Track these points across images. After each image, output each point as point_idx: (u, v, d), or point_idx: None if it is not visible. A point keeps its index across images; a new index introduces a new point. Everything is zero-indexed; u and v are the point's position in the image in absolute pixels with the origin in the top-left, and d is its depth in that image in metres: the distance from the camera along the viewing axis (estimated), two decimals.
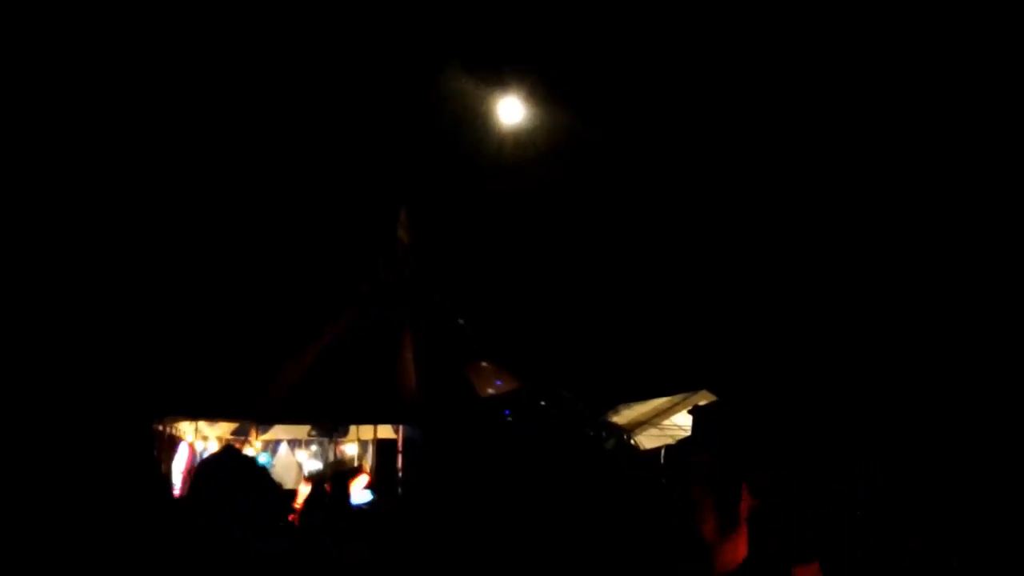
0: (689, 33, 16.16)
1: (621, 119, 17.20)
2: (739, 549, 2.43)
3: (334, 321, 13.79)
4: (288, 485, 11.94)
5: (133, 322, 11.74)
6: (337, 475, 9.61)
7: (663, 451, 13.76)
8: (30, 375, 7.78)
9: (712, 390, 14.33)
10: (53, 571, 4.49)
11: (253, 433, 13.07)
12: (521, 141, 15.58)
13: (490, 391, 13.18)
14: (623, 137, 17.30)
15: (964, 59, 13.75)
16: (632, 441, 13.51)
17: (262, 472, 3.01)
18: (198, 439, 12.95)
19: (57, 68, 12.31)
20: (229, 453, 3.25)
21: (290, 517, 7.94)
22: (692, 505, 2.50)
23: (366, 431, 13.61)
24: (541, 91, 14.98)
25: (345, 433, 13.99)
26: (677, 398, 15.52)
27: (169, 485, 11.22)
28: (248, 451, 12.98)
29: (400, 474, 12.45)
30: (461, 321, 14.09)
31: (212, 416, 13.03)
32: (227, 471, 2.88)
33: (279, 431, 14.26)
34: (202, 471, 2.98)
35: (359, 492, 9.30)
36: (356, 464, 13.83)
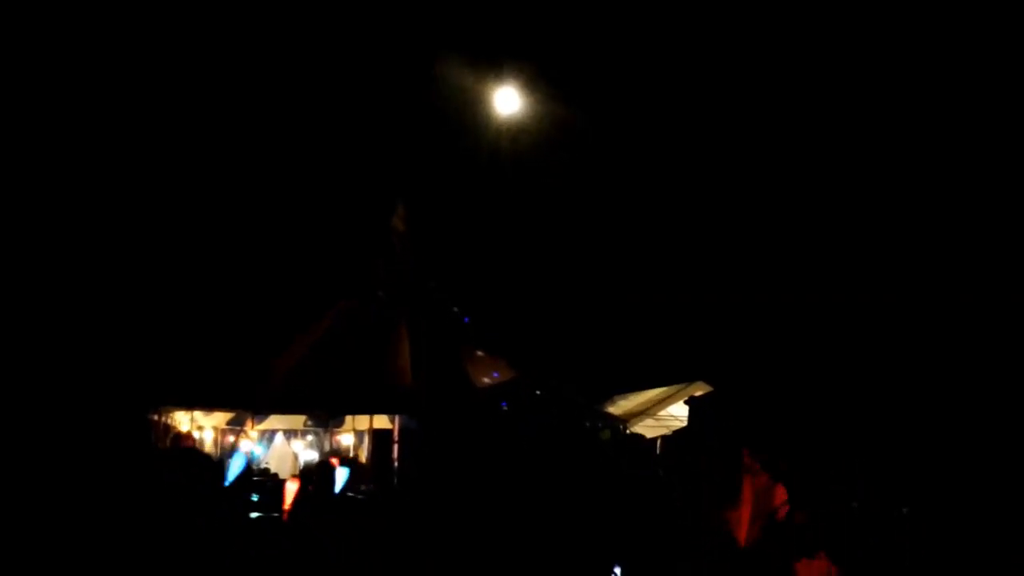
0: (689, 32, 16.14)
1: (618, 112, 17.20)
2: (743, 521, 2.45)
3: (330, 311, 13.77)
4: (284, 475, 11.98)
5: (129, 313, 11.72)
6: (321, 465, 9.67)
7: (659, 441, 13.81)
8: (27, 367, 7.78)
9: (708, 381, 14.36)
10: (53, 560, 4.50)
11: (249, 423, 13.06)
12: (518, 133, 15.57)
13: (486, 381, 13.18)
14: (620, 131, 17.30)
15: (964, 59, 13.75)
16: (629, 432, 13.54)
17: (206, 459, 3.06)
18: (194, 429, 12.94)
19: (57, 68, 12.28)
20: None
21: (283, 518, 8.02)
22: (695, 486, 2.53)
23: (362, 421, 13.62)
24: (538, 82, 14.97)
25: (341, 423, 14.00)
26: (673, 389, 15.59)
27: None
28: (244, 441, 13.02)
29: (396, 464, 12.44)
30: (456, 310, 14.08)
31: (208, 406, 13.03)
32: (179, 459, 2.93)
33: (275, 421, 14.28)
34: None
35: (341, 478, 9.30)
36: (352, 454, 13.86)
